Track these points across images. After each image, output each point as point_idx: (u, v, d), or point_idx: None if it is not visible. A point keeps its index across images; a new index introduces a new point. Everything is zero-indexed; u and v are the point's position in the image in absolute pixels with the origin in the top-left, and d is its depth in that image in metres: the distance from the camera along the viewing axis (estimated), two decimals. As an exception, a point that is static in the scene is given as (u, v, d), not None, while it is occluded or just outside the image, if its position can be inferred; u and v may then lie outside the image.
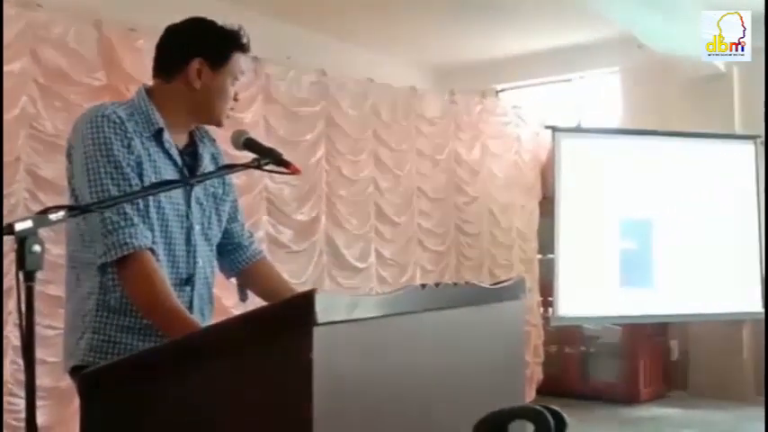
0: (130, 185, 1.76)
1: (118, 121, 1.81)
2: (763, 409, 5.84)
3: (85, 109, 4.06)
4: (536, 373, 6.69)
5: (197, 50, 1.92)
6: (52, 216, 1.42)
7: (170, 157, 1.90)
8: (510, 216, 6.86)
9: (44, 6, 3.90)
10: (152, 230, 1.80)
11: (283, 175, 4.84)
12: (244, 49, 1.94)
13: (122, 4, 4.72)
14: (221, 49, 1.91)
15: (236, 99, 1.96)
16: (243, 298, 2.15)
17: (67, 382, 3.60)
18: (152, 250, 1.77)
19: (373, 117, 5.84)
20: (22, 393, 3.65)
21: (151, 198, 1.81)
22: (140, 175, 1.80)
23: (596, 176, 6.49)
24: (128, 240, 1.72)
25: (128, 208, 1.74)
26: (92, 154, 1.77)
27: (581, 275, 6.36)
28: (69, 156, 1.85)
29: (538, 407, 1.26)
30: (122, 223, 1.73)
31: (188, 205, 1.92)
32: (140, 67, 4.24)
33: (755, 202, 6.56)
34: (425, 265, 6.18)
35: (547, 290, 6.66)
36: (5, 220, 1.86)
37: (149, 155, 1.85)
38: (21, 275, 1.35)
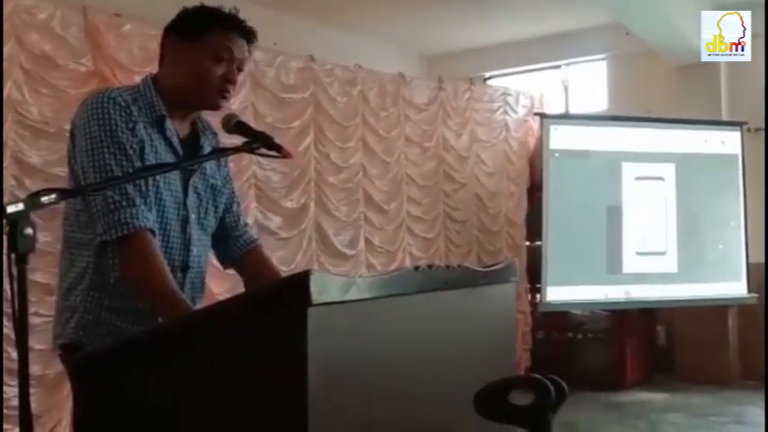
0: (133, 167, 1.76)
1: (123, 104, 1.82)
2: (748, 394, 5.93)
3: (72, 95, 4.04)
4: (524, 360, 6.73)
5: (173, 27, 1.92)
6: (44, 198, 1.40)
7: (170, 145, 1.90)
8: (498, 203, 6.89)
9: (29, -9, 3.86)
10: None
11: (272, 162, 4.91)
12: (223, 25, 1.88)
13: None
14: (192, 23, 1.89)
15: (229, 80, 1.90)
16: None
17: (56, 370, 3.61)
18: (152, 232, 1.77)
19: (362, 104, 5.83)
20: (10, 381, 3.63)
21: (150, 184, 1.81)
22: (142, 159, 1.81)
23: (584, 163, 6.52)
24: (129, 220, 1.73)
25: (130, 188, 1.75)
26: (97, 134, 1.77)
27: (568, 262, 6.39)
28: (72, 135, 1.85)
29: (538, 376, 1.27)
30: (124, 203, 1.73)
31: (185, 194, 1.92)
32: (127, 53, 4.21)
33: (741, 188, 6.61)
34: (414, 251, 6.19)
35: (535, 276, 6.68)
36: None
37: (151, 141, 1.85)
38: (13, 258, 1.34)
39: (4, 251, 1.36)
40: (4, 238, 1.35)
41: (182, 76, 1.89)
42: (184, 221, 1.91)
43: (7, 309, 3.49)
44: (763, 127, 6.41)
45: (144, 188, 1.80)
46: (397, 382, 1.48)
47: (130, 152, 1.78)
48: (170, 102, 1.90)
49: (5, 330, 3.58)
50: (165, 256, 1.82)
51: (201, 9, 1.92)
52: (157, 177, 1.83)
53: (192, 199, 1.94)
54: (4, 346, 3.61)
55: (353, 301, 1.32)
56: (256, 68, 4.93)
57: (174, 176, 1.89)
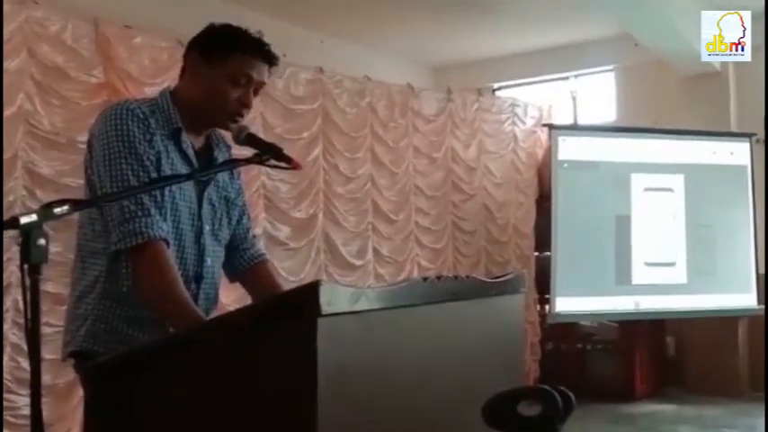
0: (149, 178, 1.78)
1: (142, 116, 1.84)
2: (758, 405, 5.89)
3: (83, 106, 4.07)
4: (533, 370, 6.71)
5: (197, 43, 1.94)
6: (57, 209, 1.41)
7: (186, 157, 1.92)
8: (506, 213, 6.88)
9: (40, 3, 3.90)
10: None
11: (280, 173, 4.92)
12: (246, 50, 1.89)
13: (118, 1, 4.71)
14: (216, 45, 1.90)
15: (244, 104, 1.91)
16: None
17: (66, 379, 3.62)
18: (166, 242, 1.79)
19: (370, 114, 5.85)
20: (21, 391, 3.64)
21: (166, 195, 1.83)
22: (158, 171, 1.83)
23: (592, 174, 6.51)
24: (143, 230, 1.74)
25: (146, 199, 1.77)
26: (115, 145, 1.80)
27: (577, 272, 6.38)
28: (90, 145, 1.87)
29: (546, 387, 1.27)
30: (139, 213, 1.75)
31: (199, 205, 1.94)
32: (137, 65, 4.25)
33: (750, 199, 6.58)
34: (422, 262, 6.19)
35: (543, 287, 6.66)
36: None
37: (168, 153, 1.87)
38: (26, 269, 1.35)
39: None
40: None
41: (198, 95, 1.91)
42: (199, 232, 1.93)
43: (19, 319, 3.51)
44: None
45: (159, 198, 1.81)
46: (406, 393, 1.48)
47: (147, 163, 1.80)
48: (186, 115, 1.92)
49: (16, 340, 3.60)
50: (180, 267, 1.84)
51: (227, 32, 1.92)
52: (173, 188, 1.85)
53: (206, 210, 1.95)
54: (15, 356, 3.63)
55: (362, 311, 1.33)
56: (266, 79, 4.95)
57: (189, 188, 1.91)
